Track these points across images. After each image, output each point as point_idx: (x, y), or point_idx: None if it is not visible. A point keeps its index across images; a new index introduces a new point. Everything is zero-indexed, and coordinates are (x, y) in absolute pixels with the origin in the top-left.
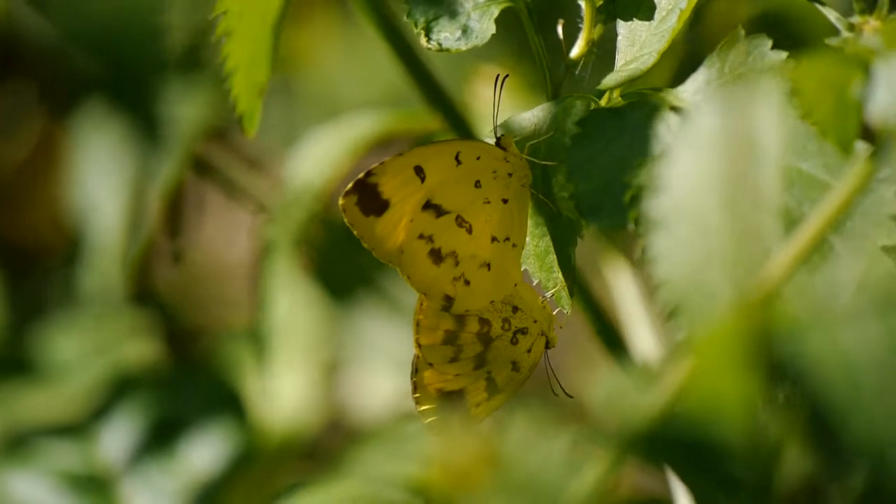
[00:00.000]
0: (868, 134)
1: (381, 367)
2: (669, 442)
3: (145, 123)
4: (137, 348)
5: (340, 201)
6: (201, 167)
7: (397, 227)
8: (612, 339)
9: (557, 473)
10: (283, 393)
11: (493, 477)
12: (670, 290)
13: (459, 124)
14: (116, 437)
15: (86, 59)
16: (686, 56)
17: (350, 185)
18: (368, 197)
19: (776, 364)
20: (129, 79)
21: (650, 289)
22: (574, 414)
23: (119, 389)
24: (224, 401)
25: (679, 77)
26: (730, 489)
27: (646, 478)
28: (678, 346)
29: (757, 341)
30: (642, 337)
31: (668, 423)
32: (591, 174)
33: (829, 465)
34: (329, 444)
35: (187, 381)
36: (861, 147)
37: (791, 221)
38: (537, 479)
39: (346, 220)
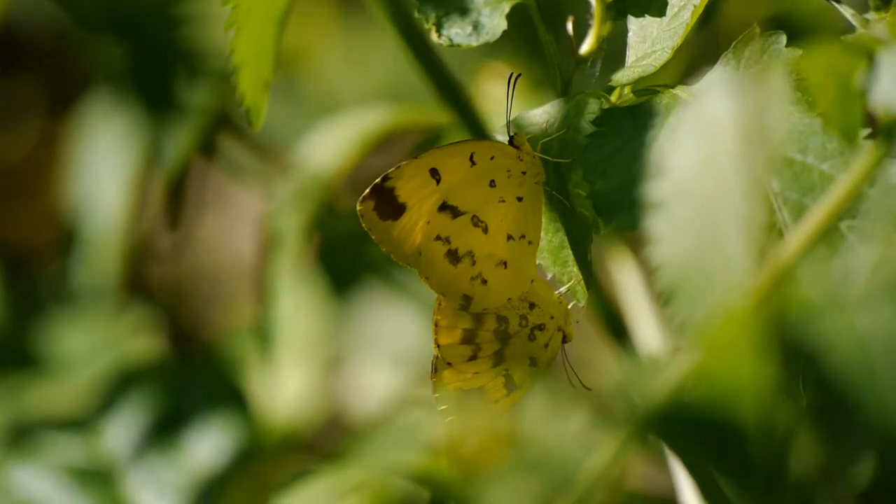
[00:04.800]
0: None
1: (382, 361)
2: (681, 424)
3: (159, 111)
4: (141, 343)
5: (358, 207)
6: (210, 156)
7: (414, 229)
8: (619, 330)
9: (571, 454)
10: (285, 388)
11: (508, 457)
12: (669, 273)
13: (470, 119)
14: (120, 431)
15: (101, 46)
16: (696, 54)
17: (367, 191)
18: (385, 201)
19: (789, 347)
20: (145, 66)
21: (652, 276)
22: (585, 399)
23: (123, 384)
24: (227, 395)
25: (689, 75)
26: (742, 473)
27: (651, 476)
28: (687, 329)
29: (770, 325)
30: (648, 328)
31: (680, 406)
32: (607, 173)
33: (841, 449)
34: (331, 439)
35: (190, 376)
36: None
37: (796, 213)
38: (552, 457)
39: (364, 225)
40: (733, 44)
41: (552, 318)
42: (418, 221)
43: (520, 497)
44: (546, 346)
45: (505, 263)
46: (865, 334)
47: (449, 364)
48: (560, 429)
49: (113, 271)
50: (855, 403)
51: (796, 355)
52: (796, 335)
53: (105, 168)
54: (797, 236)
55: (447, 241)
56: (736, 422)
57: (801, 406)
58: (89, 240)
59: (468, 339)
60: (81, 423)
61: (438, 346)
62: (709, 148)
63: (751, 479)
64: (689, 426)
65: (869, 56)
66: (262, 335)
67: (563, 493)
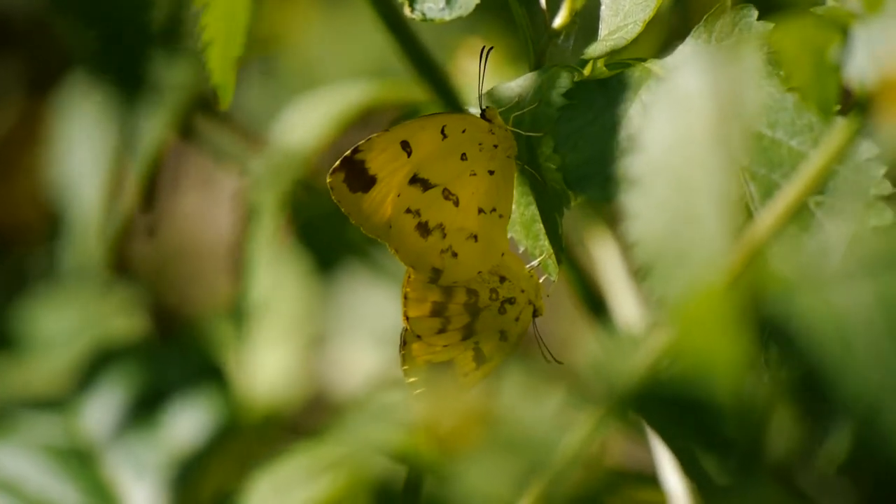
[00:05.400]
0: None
1: (363, 340)
2: (657, 401)
3: (132, 92)
4: (120, 323)
5: (328, 179)
6: (189, 137)
7: (384, 202)
8: (596, 306)
9: (548, 432)
10: (266, 366)
11: (485, 435)
12: (645, 250)
13: (447, 95)
14: (99, 411)
15: (74, 28)
16: (672, 29)
17: (337, 163)
18: (355, 173)
19: (765, 324)
20: (117, 48)
21: (629, 253)
22: (562, 378)
23: (101, 363)
24: (207, 374)
25: (666, 50)
26: (719, 450)
27: (632, 452)
28: (662, 306)
29: (745, 301)
30: (626, 304)
31: (657, 383)
32: (578, 146)
33: (818, 425)
34: (312, 417)
35: (169, 355)
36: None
37: (764, 188)
38: (528, 437)
39: (333, 197)
40: (704, 17)
41: (523, 291)
42: (389, 194)
43: (497, 475)
44: (516, 319)
45: (475, 237)
46: (841, 310)
47: (418, 337)
48: (537, 407)
49: (94, 251)
50: (831, 379)
51: (772, 331)
52: (772, 311)
53: (84, 149)
54: (770, 212)
55: (417, 213)
56: (712, 398)
57: (778, 382)
58: (70, 220)
59: (438, 311)
60: (60, 402)
61: (407, 319)
62: (683, 124)
63: (728, 455)
64: (666, 403)
65: (843, 30)
66: (240, 313)
67: (541, 471)
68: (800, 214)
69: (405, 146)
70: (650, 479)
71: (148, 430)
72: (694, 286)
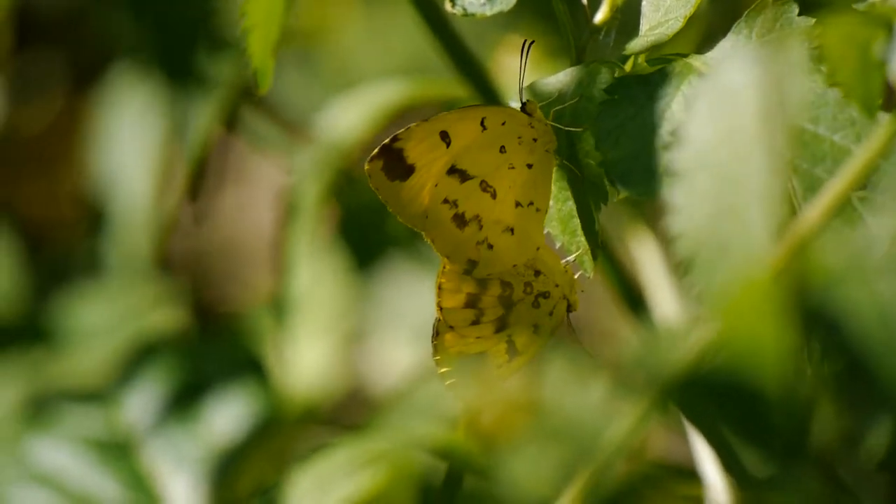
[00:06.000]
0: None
1: (402, 334)
2: (701, 393)
3: (181, 84)
4: (161, 316)
5: (366, 166)
6: (233, 128)
7: (422, 191)
8: (633, 300)
9: (592, 422)
10: (304, 360)
11: (528, 427)
12: (687, 243)
13: (487, 91)
14: (140, 404)
15: (122, 20)
16: (710, 24)
17: (376, 151)
18: (394, 162)
19: (809, 316)
20: (169, 38)
21: (670, 248)
22: (604, 369)
23: (142, 356)
24: (246, 367)
25: (704, 45)
26: (764, 440)
27: (669, 446)
28: (705, 298)
29: (790, 292)
30: (663, 298)
31: (700, 375)
32: (620, 142)
33: (861, 416)
34: (351, 412)
35: (210, 348)
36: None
37: (807, 183)
38: (572, 427)
39: (371, 184)
40: (745, 13)
41: (557, 286)
42: (426, 184)
43: (540, 467)
44: (550, 314)
45: (512, 229)
46: (886, 301)
47: (451, 328)
48: (580, 399)
49: (141, 245)
50: (875, 370)
51: (816, 323)
52: (817, 303)
53: (129, 141)
54: (815, 206)
55: (454, 204)
56: (758, 389)
57: (822, 373)
58: (115, 213)
59: (471, 303)
60: (100, 395)
61: (441, 309)
62: (727, 118)
63: (772, 447)
64: (710, 395)
65: (888, 26)
66: (279, 307)
67: (583, 463)
68: (843, 209)
69: (444, 136)
70: (689, 473)
71: (187, 423)
72: (738, 279)
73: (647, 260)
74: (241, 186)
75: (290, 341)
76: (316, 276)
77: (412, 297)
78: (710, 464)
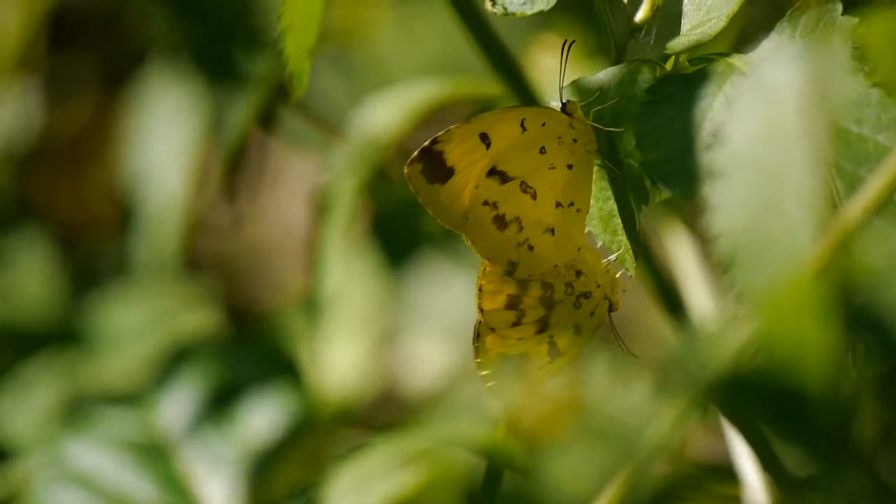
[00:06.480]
0: None
1: (436, 334)
2: (742, 393)
3: (220, 83)
4: (195, 318)
5: (405, 169)
6: (269, 127)
7: (462, 193)
8: (671, 299)
9: (634, 422)
10: (338, 361)
11: (570, 427)
12: (728, 242)
13: (524, 91)
14: (175, 405)
15: (162, 19)
16: (748, 23)
17: (415, 154)
18: (433, 164)
19: (854, 313)
20: (208, 38)
21: (709, 250)
22: (647, 368)
23: (177, 358)
24: (280, 368)
25: (744, 44)
26: (807, 439)
27: (708, 446)
28: (746, 297)
29: (834, 291)
30: (701, 297)
31: (741, 374)
32: (661, 142)
33: None
34: (385, 412)
35: (244, 350)
36: None
37: (850, 184)
38: (614, 427)
39: (410, 188)
40: (788, 12)
41: (598, 286)
42: (466, 185)
43: (581, 467)
44: (592, 314)
45: (552, 230)
46: None
47: (492, 329)
48: (622, 399)
49: (173, 246)
50: None
51: (859, 322)
52: (860, 302)
53: (164, 141)
54: (858, 204)
55: (495, 206)
56: (800, 389)
57: (864, 373)
58: (149, 214)
59: (512, 304)
60: (135, 397)
61: (482, 312)
62: (770, 118)
63: (815, 446)
64: (751, 394)
65: None
66: (313, 307)
67: (624, 463)
68: (885, 209)
69: (484, 138)
70: (728, 473)
71: (223, 425)
72: (780, 277)
73: (683, 257)
74: (278, 185)
75: (323, 341)
76: (349, 274)
77: (446, 296)
78: (749, 464)
